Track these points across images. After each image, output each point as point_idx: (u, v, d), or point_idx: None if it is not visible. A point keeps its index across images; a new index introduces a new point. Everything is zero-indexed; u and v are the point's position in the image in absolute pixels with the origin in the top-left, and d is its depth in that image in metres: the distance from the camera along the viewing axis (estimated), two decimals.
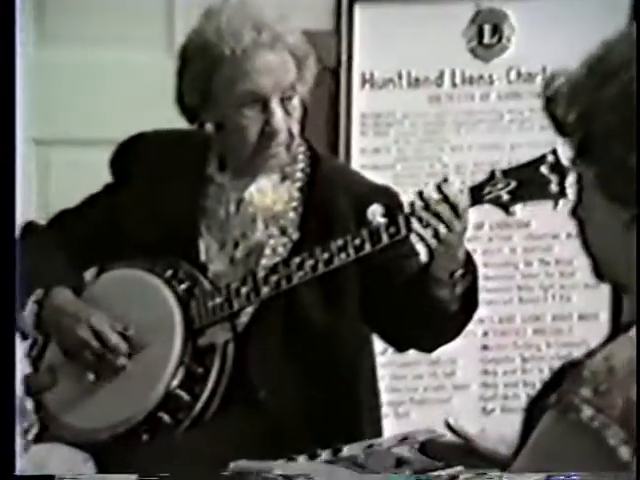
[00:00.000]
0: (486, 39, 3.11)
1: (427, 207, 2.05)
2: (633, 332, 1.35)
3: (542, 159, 2.06)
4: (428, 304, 2.12)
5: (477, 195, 2.07)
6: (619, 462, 1.28)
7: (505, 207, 2.07)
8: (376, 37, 3.08)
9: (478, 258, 3.27)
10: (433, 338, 2.25)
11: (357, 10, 3.07)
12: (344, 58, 3.06)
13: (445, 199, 2.04)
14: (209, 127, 2.23)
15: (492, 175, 2.08)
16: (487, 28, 3.11)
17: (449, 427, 1.85)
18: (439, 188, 2.06)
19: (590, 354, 1.36)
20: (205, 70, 2.17)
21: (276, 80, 2.15)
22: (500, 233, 3.15)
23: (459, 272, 2.12)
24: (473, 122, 3.16)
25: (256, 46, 2.14)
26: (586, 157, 1.39)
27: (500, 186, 2.06)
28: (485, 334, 3.17)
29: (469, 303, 2.17)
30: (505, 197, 2.06)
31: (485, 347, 3.16)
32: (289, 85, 2.16)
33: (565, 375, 1.35)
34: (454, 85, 3.14)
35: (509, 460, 1.42)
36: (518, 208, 2.08)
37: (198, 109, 2.22)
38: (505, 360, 3.19)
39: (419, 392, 3.10)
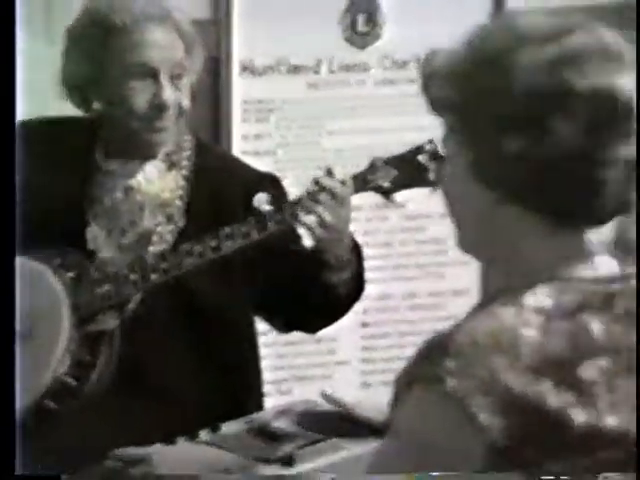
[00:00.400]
0: (360, 27, 3.14)
1: (311, 196, 2.07)
2: (495, 306, 1.38)
3: (420, 148, 2.11)
4: (316, 289, 2.15)
5: (360, 183, 2.11)
6: (479, 427, 1.31)
7: (386, 194, 2.12)
8: (255, 26, 3.08)
9: (358, 239, 3.31)
10: (320, 321, 2.28)
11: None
12: (223, 46, 3.06)
13: (329, 188, 2.06)
14: (97, 106, 2.21)
15: (373, 164, 2.11)
16: (361, 17, 3.13)
17: (326, 397, 1.87)
18: (323, 177, 2.08)
19: (455, 327, 1.39)
20: (96, 42, 2.15)
21: (165, 55, 2.14)
22: (378, 214, 3.18)
23: (346, 257, 2.14)
24: (351, 108, 3.18)
25: (146, 19, 2.13)
26: (459, 137, 1.41)
27: (381, 174, 2.10)
28: (365, 312, 3.20)
29: (356, 287, 2.20)
30: (386, 185, 2.11)
31: (365, 324, 3.19)
32: (178, 63, 2.15)
33: (431, 348, 1.38)
34: (331, 72, 3.15)
35: (383, 428, 1.44)
36: (398, 195, 2.12)
37: (86, 87, 2.20)
38: (384, 336, 3.22)
39: (302, 369, 3.12)
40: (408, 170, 2.10)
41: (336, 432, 1.81)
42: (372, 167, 2.11)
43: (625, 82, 1.35)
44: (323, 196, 2.06)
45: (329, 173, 2.09)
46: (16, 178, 1.71)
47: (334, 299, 2.17)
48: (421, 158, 2.10)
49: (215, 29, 3.02)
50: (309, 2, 3.08)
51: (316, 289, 2.15)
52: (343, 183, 2.08)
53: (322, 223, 2.06)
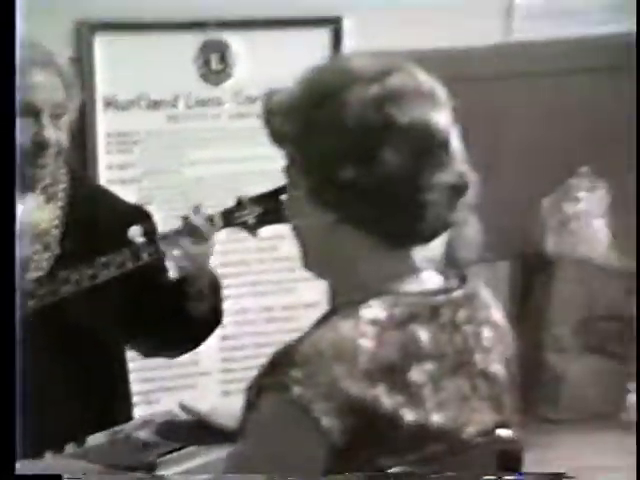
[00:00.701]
0: (213, 66, 3.17)
1: (179, 231, 2.08)
2: (336, 319, 1.41)
3: (283, 188, 2.13)
4: (180, 317, 2.15)
5: (228, 219, 2.12)
6: (322, 430, 1.33)
7: (251, 230, 2.13)
8: (116, 63, 3.08)
9: (217, 258, 3.30)
10: (180, 348, 2.28)
11: (97, 39, 3.06)
12: (87, 83, 3.04)
13: (194, 225, 2.07)
14: None
15: (240, 201, 2.13)
16: (214, 56, 3.17)
17: (183, 408, 1.87)
18: (191, 214, 2.09)
19: (300, 339, 1.41)
20: None
21: (48, 97, 2.12)
22: (235, 236, 3.18)
23: (206, 290, 2.15)
24: (208, 139, 3.20)
25: (31, 63, 2.11)
26: (299, 167, 1.44)
27: (247, 212, 2.12)
28: (224, 326, 3.20)
29: (216, 315, 2.21)
30: (251, 221, 2.12)
31: (225, 337, 3.21)
32: (59, 104, 2.13)
33: (279, 358, 1.40)
34: (189, 107, 3.17)
35: (237, 434, 1.45)
36: (262, 230, 2.14)
37: None
38: (242, 348, 3.24)
39: (167, 380, 3.11)
40: (271, 208, 2.12)
41: (194, 440, 1.81)
42: (239, 204, 2.14)
43: (438, 117, 1.40)
44: (189, 232, 2.07)
45: (197, 210, 2.10)
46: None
47: (195, 327, 2.18)
48: (283, 197, 2.12)
49: (79, 66, 3.00)
50: (164, 42, 3.09)
51: (178, 317, 2.15)
52: (210, 220, 2.09)
53: (186, 257, 2.07)
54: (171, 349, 2.31)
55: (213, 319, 2.23)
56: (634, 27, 3.50)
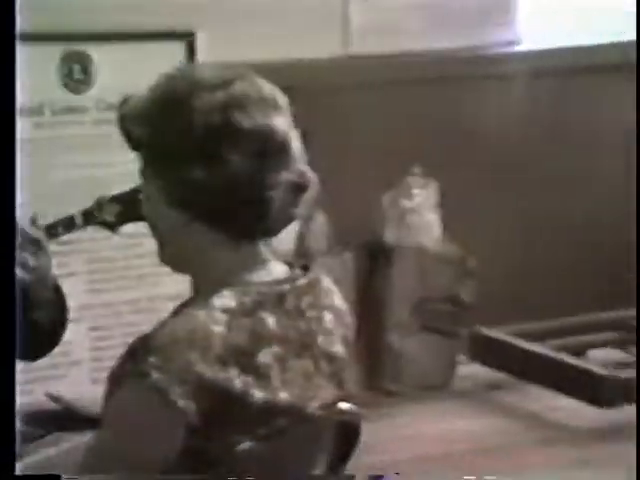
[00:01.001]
0: (76, 75, 3.13)
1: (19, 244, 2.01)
2: (191, 308, 1.40)
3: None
4: (26, 324, 2.08)
5: (88, 218, 2.07)
6: (179, 412, 1.33)
7: (112, 227, 2.09)
8: None
9: (85, 256, 3.23)
10: (32, 352, 2.22)
11: None
12: None
13: (32, 237, 2.00)
14: None
15: (99, 201, 2.08)
16: (76, 67, 3.13)
17: (50, 396, 1.84)
18: (28, 225, 2.02)
19: (157, 328, 1.40)
20: None
21: None
22: (101, 234, 3.12)
23: (52, 294, 2.09)
24: (73, 145, 3.15)
25: None
26: (152, 168, 1.43)
27: (107, 210, 2.07)
28: (93, 318, 3.16)
29: (59, 324, 2.15)
30: (110, 220, 2.08)
31: (94, 328, 3.17)
32: None
33: (137, 347, 1.39)
34: (54, 114, 3.12)
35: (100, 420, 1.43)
36: (123, 228, 2.09)
37: None
38: (110, 338, 3.19)
39: (40, 371, 3.03)
40: (130, 206, 2.08)
41: (60, 427, 1.77)
42: (98, 204, 2.09)
43: (279, 122, 1.41)
44: (27, 241, 2.00)
45: (33, 221, 2.04)
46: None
47: (39, 334, 2.12)
48: (141, 196, 2.09)
49: None
50: (30, 52, 3.02)
51: (25, 325, 2.08)
52: (51, 229, 2.03)
53: (29, 269, 2.00)
54: (24, 355, 2.24)
55: (60, 323, 2.17)
56: (462, 44, 3.63)
